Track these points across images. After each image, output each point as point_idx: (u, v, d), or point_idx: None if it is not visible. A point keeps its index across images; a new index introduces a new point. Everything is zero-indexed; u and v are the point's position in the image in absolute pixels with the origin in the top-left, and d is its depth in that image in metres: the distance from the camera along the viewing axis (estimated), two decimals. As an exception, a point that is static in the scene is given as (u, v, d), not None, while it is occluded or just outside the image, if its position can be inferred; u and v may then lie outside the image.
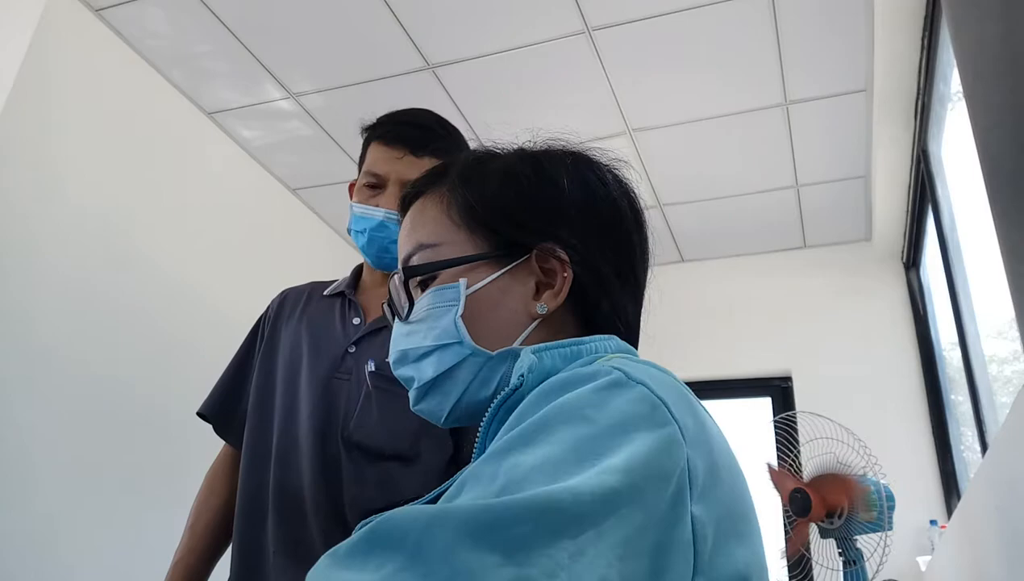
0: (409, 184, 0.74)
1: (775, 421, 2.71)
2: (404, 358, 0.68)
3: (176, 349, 2.73)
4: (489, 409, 0.57)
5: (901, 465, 2.98)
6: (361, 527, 0.42)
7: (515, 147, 0.75)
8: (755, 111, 2.98)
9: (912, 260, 3.58)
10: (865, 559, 2.27)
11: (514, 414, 0.52)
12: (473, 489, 0.45)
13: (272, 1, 2.57)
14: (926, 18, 2.35)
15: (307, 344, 1.28)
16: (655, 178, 3.39)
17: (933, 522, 3.03)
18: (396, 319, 0.70)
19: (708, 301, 3.90)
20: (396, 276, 0.69)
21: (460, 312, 0.64)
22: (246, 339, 1.41)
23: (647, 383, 0.50)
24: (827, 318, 3.69)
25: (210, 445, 1.40)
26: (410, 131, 1.25)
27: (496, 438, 0.50)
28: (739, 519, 0.50)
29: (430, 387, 0.66)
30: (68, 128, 2.50)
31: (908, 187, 3.15)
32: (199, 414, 1.37)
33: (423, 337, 0.66)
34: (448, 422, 0.66)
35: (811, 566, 2.42)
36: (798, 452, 2.53)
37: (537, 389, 0.52)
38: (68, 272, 2.43)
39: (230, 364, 1.40)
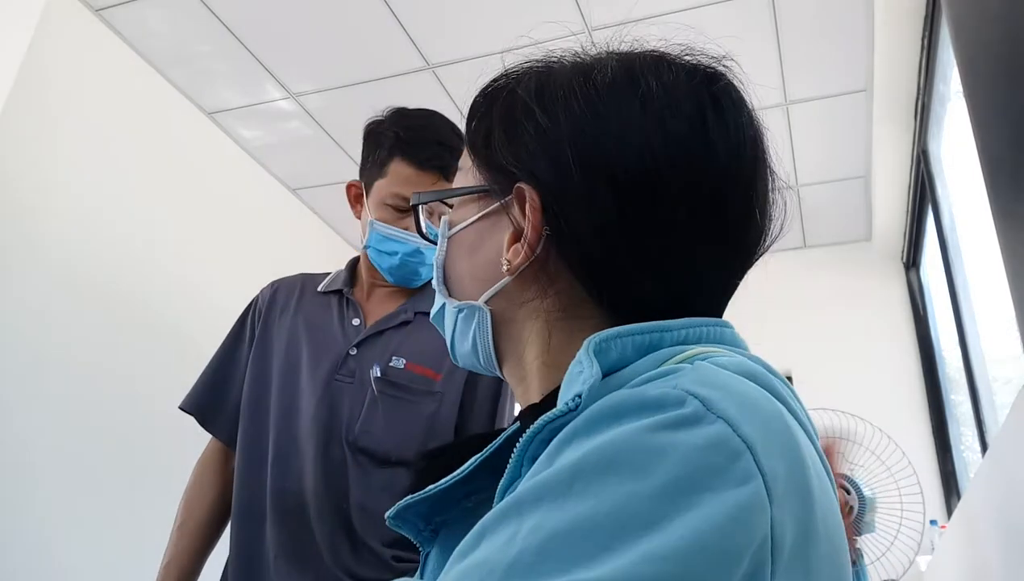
0: None
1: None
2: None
3: (175, 349, 2.73)
4: (530, 428, 0.43)
5: (901, 465, 2.97)
6: None
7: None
8: (754, 111, 2.97)
9: (912, 260, 3.58)
10: (865, 559, 2.27)
11: (555, 440, 0.40)
12: (488, 547, 0.36)
13: (272, 1, 2.57)
14: (926, 18, 2.35)
15: (306, 342, 1.26)
16: (655, 178, 3.38)
17: (933, 522, 3.02)
18: None
19: (708, 301, 3.89)
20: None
21: (441, 254, 0.59)
22: (233, 330, 1.38)
23: (731, 417, 0.37)
24: (827, 318, 3.69)
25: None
26: (443, 155, 1.21)
27: (532, 470, 0.40)
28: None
29: (435, 321, 0.62)
30: (68, 128, 2.50)
31: (908, 187, 3.15)
32: (181, 408, 1.33)
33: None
34: (458, 363, 0.61)
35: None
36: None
37: (587, 412, 0.40)
38: (67, 272, 2.43)
39: (215, 356, 1.36)
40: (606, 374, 0.44)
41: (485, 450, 0.55)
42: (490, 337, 0.56)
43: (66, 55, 2.52)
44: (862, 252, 3.78)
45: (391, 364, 1.21)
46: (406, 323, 1.26)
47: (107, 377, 2.51)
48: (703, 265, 0.52)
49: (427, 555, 0.57)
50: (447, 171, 1.20)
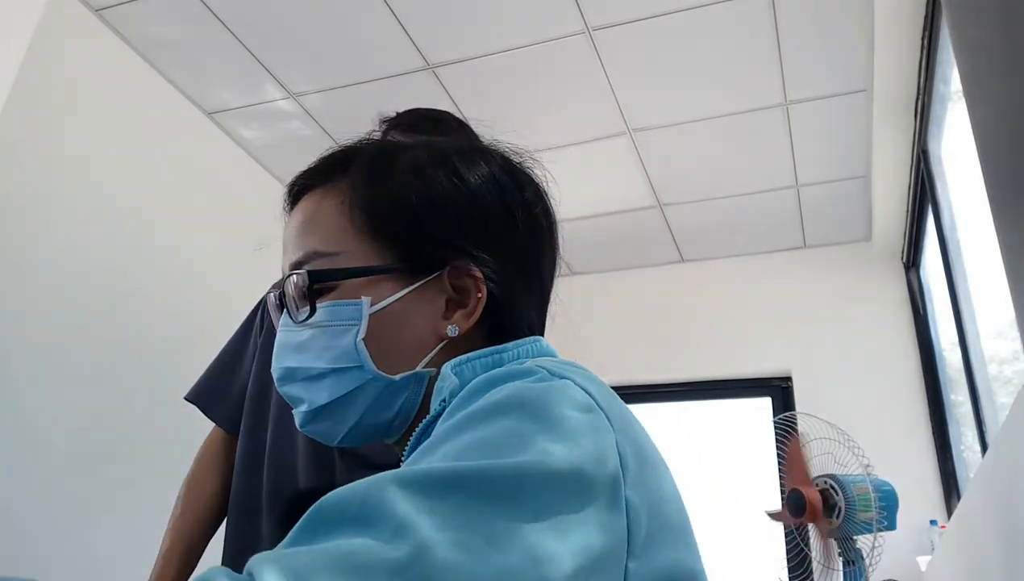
0: (301, 172, 0.67)
1: (775, 422, 2.71)
2: (291, 376, 0.61)
3: (175, 350, 2.73)
4: (410, 440, 0.55)
5: (901, 465, 2.98)
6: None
7: (421, 139, 0.69)
8: (755, 111, 2.98)
9: (912, 260, 3.58)
10: (864, 559, 2.27)
11: (442, 417, 0.50)
12: (402, 485, 0.42)
13: (272, 1, 2.57)
14: (926, 18, 2.35)
15: None
16: (655, 178, 3.39)
17: (933, 522, 3.03)
18: (285, 315, 0.62)
19: (708, 301, 3.89)
20: (295, 277, 0.61)
21: (362, 334, 0.58)
22: (243, 324, 1.39)
23: (570, 375, 0.49)
24: (827, 318, 3.69)
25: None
26: (425, 122, 1.24)
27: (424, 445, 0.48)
28: (669, 514, 0.48)
29: (321, 411, 0.60)
30: (68, 128, 2.50)
31: (908, 187, 3.15)
32: (186, 399, 1.35)
33: (316, 357, 0.59)
34: (342, 443, 0.61)
35: (811, 566, 2.42)
36: (798, 452, 2.53)
37: (464, 390, 0.51)
38: (67, 272, 2.43)
39: (222, 350, 1.38)
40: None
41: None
42: (421, 398, 0.60)
43: (66, 55, 2.52)
44: (862, 252, 3.78)
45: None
46: None
47: (107, 376, 2.51)
48: (548, 291, 0.68)
49: None
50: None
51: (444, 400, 0.53)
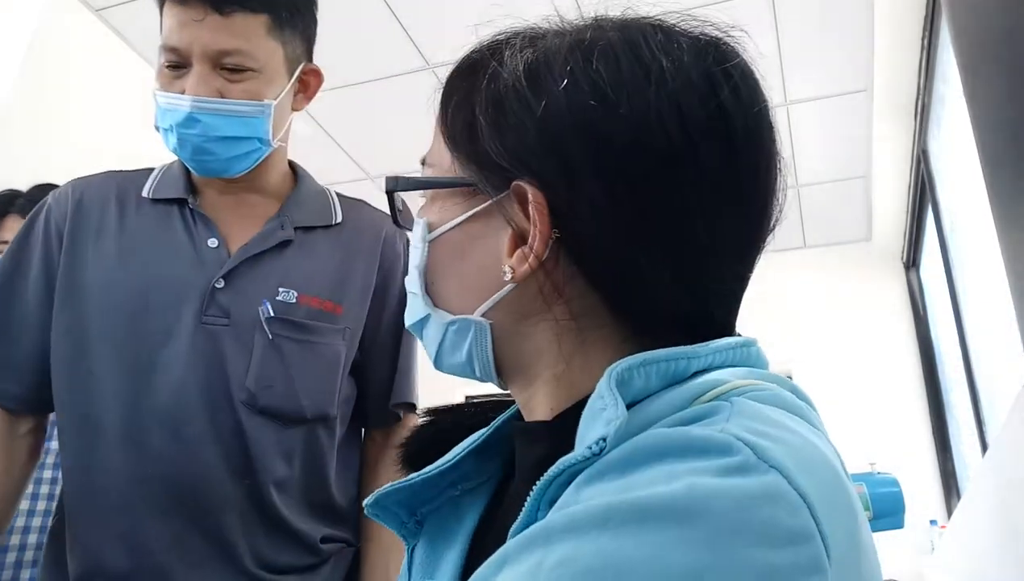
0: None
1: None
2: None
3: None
4: (550, 470, 0.38)
5: (901, 465, 2.98)
6: None
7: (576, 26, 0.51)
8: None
9: (912, 260, 3.59)
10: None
11: (582, 476, 0.37)
12: (508, 575, 0.33)
13: (272, 1, 2.57)
14: (926, 18, 2.36)
15: (148, 273, 0.94)
16: (655, 178, 3.38)
17: (933, 522, 3.03)
18: None
19: (708, 301, 3.89)
20: None
21: (421, 260, 0.50)
22: (9, 259, 0.99)
23: (785, 468, 0.33)
24: (827, 318, 3.69)
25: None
26: None
27: (557, 507, 0.37)
28: None
29: (413, 327, 0.53)
30: (68, 128, 2.50)
31: (908, 187, 3.15)
32: None
33: (410, 275, 0.53)
34: (447, 372, 0.53)
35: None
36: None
37: (622, 449, 0.36)
38: (68, 272, 2.43)
39: None
40: (628, 405, 0.39)
41: (474, 438, 0.53)
42: (490, 352, 0.48)
43: (66, 55, 2.52)
44: (862, 252, 3.78)
45: (279, 298, 0.95)
46: (286, 243, 1.00)
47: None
48: (723, 264, 0.46)
49: (412, 549, 0.54)
50: (217, 1, 0.91)
51: (603, 440, 0.36)
